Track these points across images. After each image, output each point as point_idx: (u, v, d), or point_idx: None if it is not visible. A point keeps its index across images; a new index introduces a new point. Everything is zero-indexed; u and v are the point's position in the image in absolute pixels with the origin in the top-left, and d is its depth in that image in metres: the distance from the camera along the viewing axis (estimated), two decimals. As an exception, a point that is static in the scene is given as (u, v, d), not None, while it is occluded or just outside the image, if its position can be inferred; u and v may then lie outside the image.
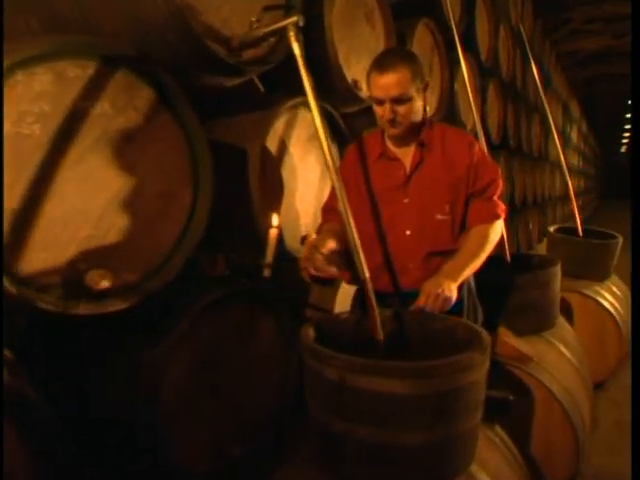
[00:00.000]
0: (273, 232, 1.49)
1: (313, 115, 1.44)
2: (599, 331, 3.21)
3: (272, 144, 1.89)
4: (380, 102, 1.64)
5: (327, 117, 2.13)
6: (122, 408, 1.40)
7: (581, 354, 2.43)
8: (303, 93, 2.03)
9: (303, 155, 2.06)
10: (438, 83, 3.32)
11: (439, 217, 1.69)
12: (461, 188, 1.70)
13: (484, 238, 1.67)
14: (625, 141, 28.62)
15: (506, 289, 2.18)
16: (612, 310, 3.17)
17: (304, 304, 2.19)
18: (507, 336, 2.11)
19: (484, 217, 1.70)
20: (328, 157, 1.41)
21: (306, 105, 2.04)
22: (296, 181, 2.02)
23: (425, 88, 1.71)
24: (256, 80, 2.02)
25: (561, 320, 2.59)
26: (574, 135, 12.56)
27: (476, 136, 4.22)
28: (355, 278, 1.81)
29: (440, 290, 1.49)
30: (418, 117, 1.71)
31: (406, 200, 1.71)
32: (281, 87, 2.13)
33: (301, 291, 2.19)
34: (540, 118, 7.03)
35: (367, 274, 1.39)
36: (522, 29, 4.76)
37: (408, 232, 1.70)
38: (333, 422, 1.11)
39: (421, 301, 1.50)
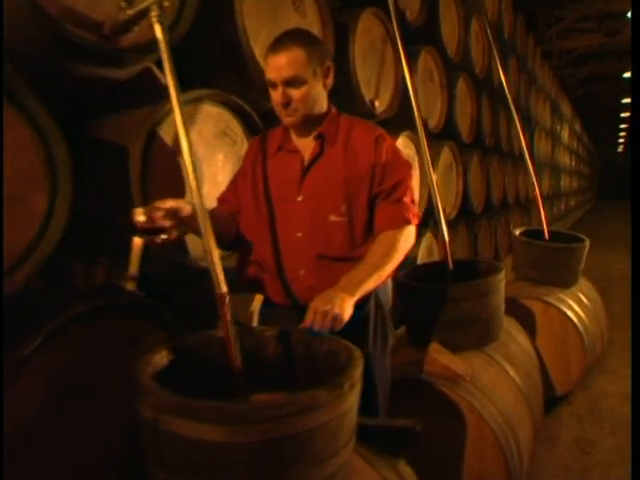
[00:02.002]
0: (137, 242, 1.31)
1: (174, 110, 1.24)
2: (562, 341, 3.01)
3: (167, 141, 1.70)
4: (274, 85, 1.48)
5: (239, 112, 1.95)
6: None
7: (529, 370, 2.24)
8: (208, 85, 1.89)
9: (209, 153, 1.87)
10: (392, 77, 3.13)
11: (333, 218, 1.50)
12: (362, 188, 1.51)
13: (390, 246, 1.49)
14: (622, 141, 28.35)
15: (439, 300, 1.98)
16: (575, 319, 2.98)
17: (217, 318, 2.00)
18: (438, 353, 1.92)
19: (392, 222, 1.52)
20: (187, 156, 1.22)
21: (212, 98, 1.86)
22: (201, 182, 1.83)
23: (326, 74, 1.53)
24: (155, 70, 1.83)
25: (511, 332, 2.41)
26: (565, 134, 12.35)
27: (447, 133, 4.07)
28: (246, 284, 1.64)
29: (329, 307, 1.31)
30: (317, 105, 1.54)
31: (300, 198, 1.54)
32: (197, 79, 1.96)
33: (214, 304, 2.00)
34: (522, 116, 6.81)
35: (224, 289, 1.20)
36: (486, 23, 4.55)
37: (299, 234, 1.52)
38: (155, 471, 0.93)
39: (308, 319, 1.32)
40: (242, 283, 1.65)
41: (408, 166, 1.58)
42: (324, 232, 1.50)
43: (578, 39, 12.00)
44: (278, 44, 1.46)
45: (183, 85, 1.84)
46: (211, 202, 1.88)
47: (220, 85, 1.93)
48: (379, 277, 1.45)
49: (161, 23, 1.26)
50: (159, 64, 1.91)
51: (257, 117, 1.97)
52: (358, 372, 1.03)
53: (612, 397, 3.24)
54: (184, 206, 1.36)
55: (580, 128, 17.44)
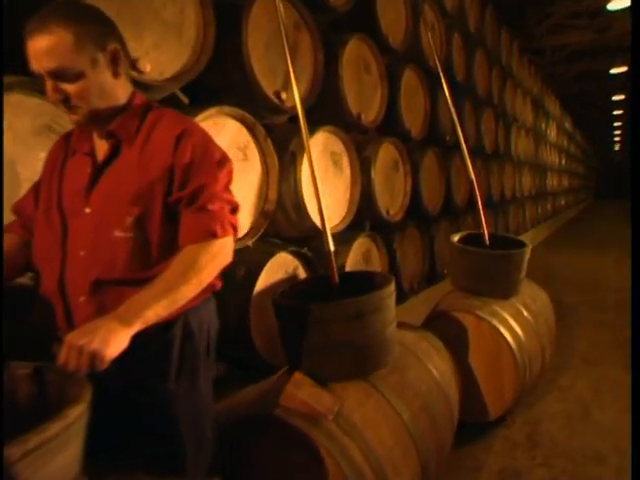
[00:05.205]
0: None
1: None
2: (494, 359, 2.72)
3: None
4: (42, 77, 1.19)
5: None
6: None
7: (430, 399, 1.94)
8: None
9: (26, 152, 1.58)
10: (309, 67, 2.84)
11: (117, 234, 1.23)
12: (155, 195, 1.23)
13: (190, 264, 1.21)
14: (618, 139, 27.92)
15: (306, 321, 1.70)
16: (508, 336, 2.68)
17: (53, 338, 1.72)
18: (299, 385, 1.63)
19: (193, 234, 1.24)
20: None
21: (23, 87, 1.57)
22: (14, 186, 1.55)
23: (114, 60, 1.24)
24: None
25: (417, 354, 2.11)
26: (552, 132, 12.01)
27: (389, 129, 3.77)
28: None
29: (85, 341, 1.04)
30: (106, 98, 1.26)
31: (88, 210, 1.27)
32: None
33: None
34: (495, 113, 6.51)
35: None
36: (435, 15, 4.25)
37: (82, 253, 1.25)
38: None
39: (61, 356, 1.07)
40: (33, 312, 1.37)
41: (221, 166, 1.29)
42: (107, 250, 1.23)
43: (569, 36, 11.71)
44: (35, 24, 1.15)
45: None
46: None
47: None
48: (172, 302, 1.17)
49: None
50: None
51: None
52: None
53: (555, 418, 2.94)
54: None
55: (572, 126, 17.06)
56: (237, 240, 2.45)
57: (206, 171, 1.25)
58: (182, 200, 1.23)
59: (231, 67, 2.37)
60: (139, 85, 1.87)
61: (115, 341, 1.06)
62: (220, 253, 1.25)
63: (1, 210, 1.01)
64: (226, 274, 2.44)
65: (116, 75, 1.25)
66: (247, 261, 2.42)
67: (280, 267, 2.55)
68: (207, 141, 1.30)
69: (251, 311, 2.31)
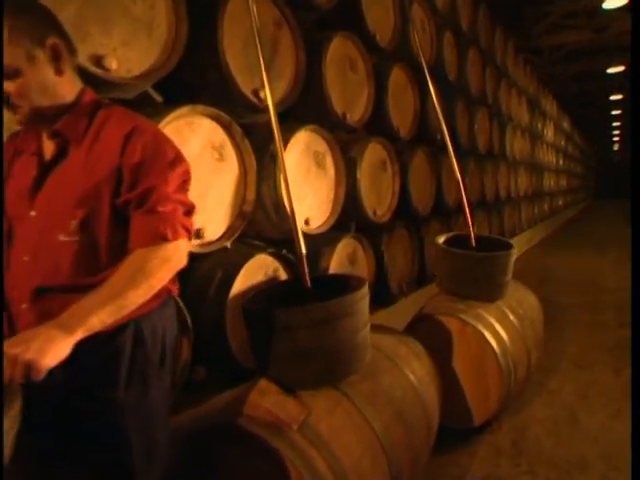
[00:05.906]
0: None
1: None
2: (479, 364, 2.66)
3: None
4: None
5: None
6: None
7: (403, 407, 1.88)
8: None
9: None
10: (290, 65, 2.78)
11: (62, 238, 1.17)
12: (102, 198, 1.18)
13: (138, 269, 1.15)
14: (616, 139, 27.82)
15: (272, 327, 1.64)
16: (493, 341, 2.62)
17: None
18: (263, 393, 1.58)
19: (142, 238, 1.19)
20: None
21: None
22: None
23: (55, 55, 1.18)
24: None
25: (394, 359, 2.05)
26: (549, 132, 11.94)
27: (376, 128, 3.71)
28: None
29: (19, 350, 0.99)
30: (49, 96, 1.21)
31: (33, 213, 1.22)
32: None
33: None
34: (490, 112, 6.45)
35: None
36: (425, 13, 4.19)
37: (26, 258, 1.20)
38: None
39: None
40: None
41: (174, 166, 1.23)
42: (50, 255, 1.18)
43: (567, 35, 11.66)
44: None
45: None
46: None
47: None
48: (119, 308, 1.12)
49: None
50: None
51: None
52: None
53: (542, 424, 2.88)
54: None
55: (570, 126, 16.99)
56: (214, 242, 2.41)
57: (157, 171, 1.19)
58: (131, 202, 1.18)
59: (207, 65, 2.31)
60: (105, 83, 1.83)
61: (54, 350, 1.01)
62: (172, 257, 1.19)
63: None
64: (203, 277, 2.39)
65: (59, 72, 1.19)
66: (224, 263, 2.37)
67: (259, 269, 2.49)
68: (159, 140, 1.24)
69: (228, 314, 2.26)
